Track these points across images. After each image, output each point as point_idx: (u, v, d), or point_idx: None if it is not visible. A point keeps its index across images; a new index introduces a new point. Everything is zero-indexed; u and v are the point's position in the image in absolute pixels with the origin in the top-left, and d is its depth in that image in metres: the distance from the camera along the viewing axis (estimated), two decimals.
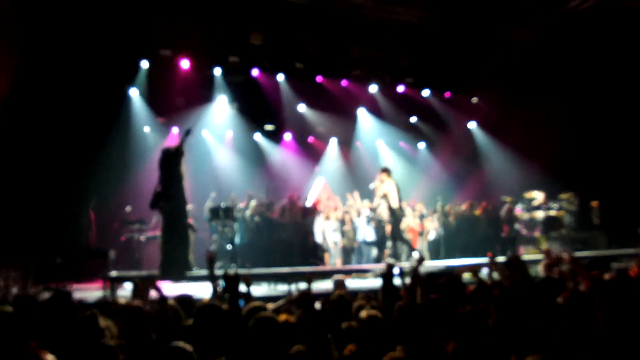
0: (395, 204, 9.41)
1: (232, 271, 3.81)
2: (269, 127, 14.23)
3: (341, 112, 14.08)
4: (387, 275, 3.92)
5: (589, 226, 11.94)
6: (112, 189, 10.97)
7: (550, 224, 11.56)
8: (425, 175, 15.09)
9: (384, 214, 10.22)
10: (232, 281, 3.61)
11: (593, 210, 12.25)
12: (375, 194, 10.15)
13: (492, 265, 4.85)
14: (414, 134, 15.25)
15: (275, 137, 14.41)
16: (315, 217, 10.72)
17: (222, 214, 9.38)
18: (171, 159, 7.69)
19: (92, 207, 9.88)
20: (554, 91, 12.76)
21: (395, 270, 4.09)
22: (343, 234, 11.01)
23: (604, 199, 12.22)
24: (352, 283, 6.96)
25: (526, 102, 13.23)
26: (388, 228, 10.13)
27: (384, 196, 9.52)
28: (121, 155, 11.45)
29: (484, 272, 4.69)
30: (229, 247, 9.42)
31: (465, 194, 14.12)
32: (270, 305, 3.78)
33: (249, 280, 4.42)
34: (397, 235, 9.72)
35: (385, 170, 9.66)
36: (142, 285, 4.41)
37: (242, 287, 4.50)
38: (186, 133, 7.87)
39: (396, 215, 9.54)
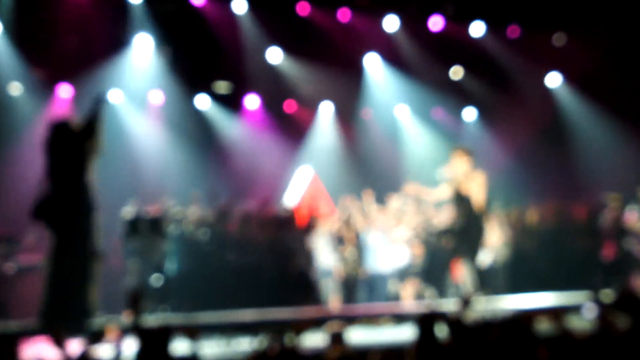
0: (481, 211, 9.38)
1: (158, 319, 3.88)
2: (221, 85, 14.27)
3: (339, 61, 14.08)
4: (426, 322, 3.83)
5: None
6: None
7: None
8: (475, 161, 15.06)
9: (448, 225, 10.13)
10: (158, 336, 3.49)
11: None
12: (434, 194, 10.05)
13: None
14: (456, 95, 15.29)
15: (231, 102, 14.49)
16: (300, 229, 10.84)
17: (146, 227, 9.52)
18: (70, 141, 7.78)
19: None
20: None
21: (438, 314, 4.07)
22: (342, 257, 11.02)
23: None
24: (356, 335, 6.92)
25: None
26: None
27: (464, 199, 9.42)
28: None
29: (587, 315, 4.64)
30: (156, 278, 9.57)
31: (543, 192, 14.15)
32: None
33: (195, 332, 4.40)
34: (467, 261, 9.51)
35: (468, 153, 9.67)
36: (11, 344, 4.58)
37: (183, 345, 4.67)
38: (96, 102, 7.99)
39: (481, 229, 9.43)
